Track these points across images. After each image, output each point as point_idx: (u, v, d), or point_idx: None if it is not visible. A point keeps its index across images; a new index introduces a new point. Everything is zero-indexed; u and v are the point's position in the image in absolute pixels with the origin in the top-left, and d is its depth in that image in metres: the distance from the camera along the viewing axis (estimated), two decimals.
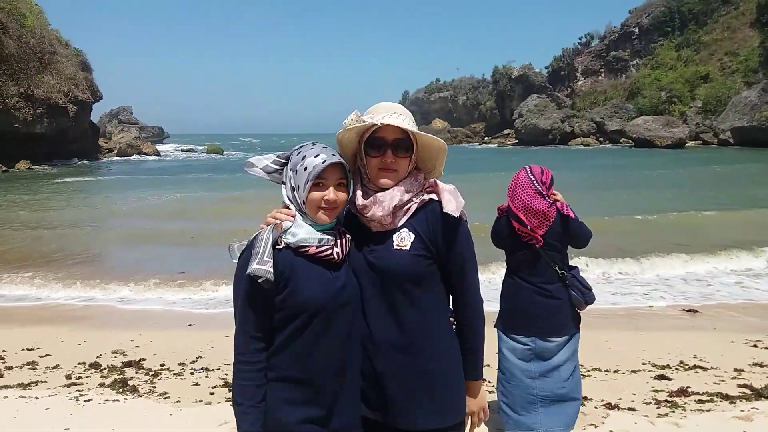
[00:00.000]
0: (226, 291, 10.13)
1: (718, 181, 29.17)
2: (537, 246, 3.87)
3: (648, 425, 4.35)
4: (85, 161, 51.75)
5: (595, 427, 4.29)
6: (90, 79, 55.79)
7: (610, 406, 4.82)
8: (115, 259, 13.55)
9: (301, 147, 2.00)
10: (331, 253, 1.93)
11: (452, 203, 2.00)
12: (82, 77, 52.79)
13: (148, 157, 60.43)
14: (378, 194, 2.00)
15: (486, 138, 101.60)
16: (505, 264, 4.17)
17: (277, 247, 1.89)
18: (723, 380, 5.69)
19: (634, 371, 5.99)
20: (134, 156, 59.43)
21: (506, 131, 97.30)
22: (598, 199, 21.53)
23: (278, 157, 2.02)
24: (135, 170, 45.08)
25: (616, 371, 5.99)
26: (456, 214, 1.99)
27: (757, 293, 9.80)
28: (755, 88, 67.63)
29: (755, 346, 6.98)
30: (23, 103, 44.43)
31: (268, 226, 1.93)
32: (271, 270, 1.83)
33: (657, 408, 4.81)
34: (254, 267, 1.81)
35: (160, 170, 44.99)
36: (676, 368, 6.10)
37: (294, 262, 1.89)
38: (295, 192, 1.95)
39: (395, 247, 1.98)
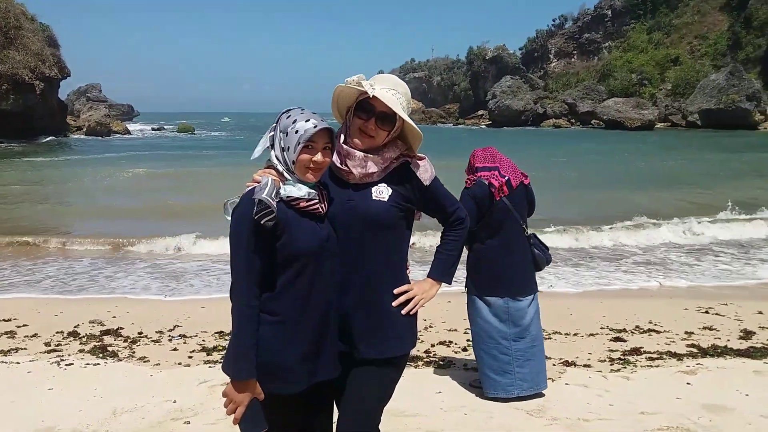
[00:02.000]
0: (199, 263, 10.32)
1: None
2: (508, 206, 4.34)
3: (601, 379, 4.68)
4: (53, 138, 50.71)
5: (552, 380, 4.59)
6: (57, 55, 54.49)
7: (568, 363, 5.15)
8: (87, 231, 13.53)
9: (289, 111, 2.19)
10: (318, 207, 2.15)
11: (427, 173, 2.32)
12: (49, 53, 51.52)
13: (117, 136, 59.46)
14: (365, 159, 2.22)
15: (460, 119, 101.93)
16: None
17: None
18: (674, 341, 6.07)
19: (592, 334, 6.34)
20: (104, 134, 58.42)
21: (480, 112, 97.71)
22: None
23: (269, 132, 2.21)
24: (104, 148, 44.37)
25: (575, 334, 6.33)
26: (428, 183, 2.31)
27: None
28: (723, 72, 68.99)
29: (707, 312, 7.40)
30: None
31: (258, 182, 2.11)
32: (274, 212, 2.02)
33: (611, 365, 5.16)
34: (272, 215, 2.00)
35: (128, 147, 44.40)
36: (631, 332, 6.46)
37: (287, 214, 2.09)
38: (285, 153, 2.14)
39: (374, 197, 2.23)
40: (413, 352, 5.66)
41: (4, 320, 7.01)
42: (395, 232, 2.29)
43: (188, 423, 3.79)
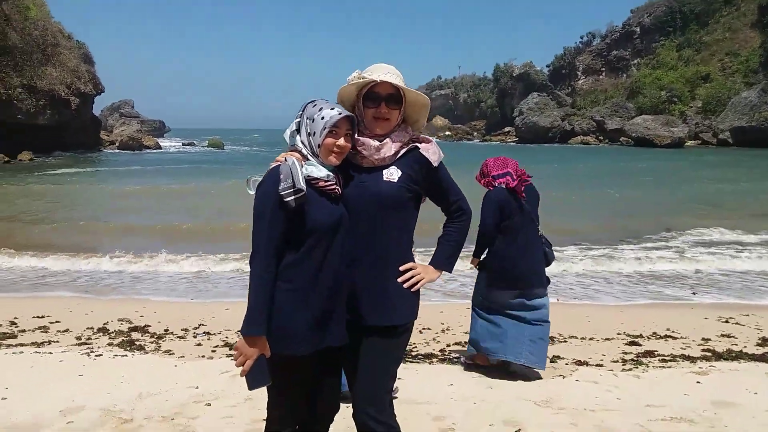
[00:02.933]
0: (223, 267, 10.59)
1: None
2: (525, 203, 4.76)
3: (611, 377, 4.75)
4: (87, 153, 52.10)
5: (563, 377, 4.69)
6: (92, 71, 56.12)
7: (580, 363, 5.23)
8: (115, 238, 13.96)
9: (315, 101, 2.43)
10: (335, 188, 2.36)
11: (435, 155, 2.50)
12: (84, 70, 53.11)
13: (148, 150, 60.79)
14: (374, 142, 2.43)
15: (486, 136, 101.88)
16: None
17: None
18: (689, 346, 6.09)
19: (608, 339, 6.39)
20: (135, 149, 59.82)
21: (506, 129, 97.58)
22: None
23: (296, 119, 2.44)
24: (136, 161, 45.47)
25: (591, 339, 6.40)
26: (436, 164, 2.49)
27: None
28: (755, 89, 67.93)
29: (727, 321, 7.39)
30: (26, 94, 44.74)
31: (282, 163, 2.31)
32: (305, 190, 2.24)
33: (623, 365, 5.22)
34: (298, 195, 2.21)
35: (159, 161, 45.43)
36: (648, 337, 6.50)
37: (308, 192, 2.30)
38: (310, 137, 2.36)
39: (385, 179, 2.42)
40: (429, 350, 5.83)
41: (38, 317, 7.32)
42: (404, 211, 2.47)
43: (209, 405, 3.98)
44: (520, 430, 3.48)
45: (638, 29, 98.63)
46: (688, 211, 18.34)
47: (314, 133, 2.34)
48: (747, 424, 3.60)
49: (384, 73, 2.43)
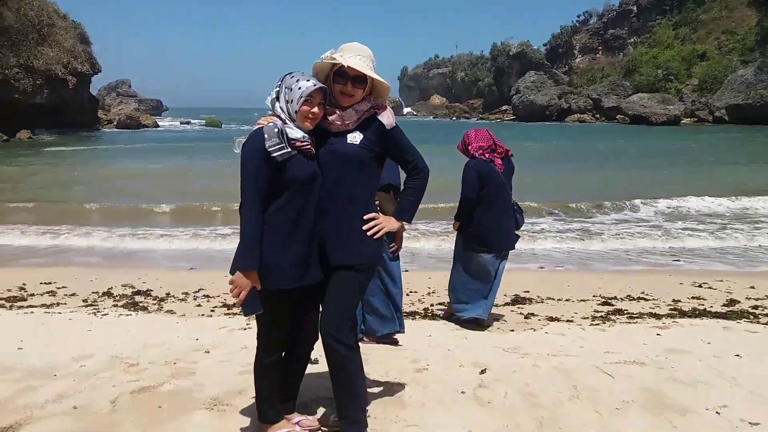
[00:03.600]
0: (220, 242, 11.00)
1: None
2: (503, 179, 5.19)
3: (578, 330, 5.16)
4: (85, 132, 52.19)
5: (534, 330, 5.10)
6: (89, 51, 55.95)
7: (552, 319, 5.64)
8: (119, 211, 14.34)
9: (293, 73, 2.79)
10: (310, 148, 2.74)
11: (389, 119, 2.88)
12: (81, 49, 52.97)
13: (146, 129, 60.86)
14: (342, 113, 2.81)
15: (483, 114, 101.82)
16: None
17: None
18: (658, 306, 6.50)
19: (583, 300, 6.80)
20: (133, 128, 59.87)
21: (504, 107, 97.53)
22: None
23: (275, 87, 2.80)
24: (133, 140, 45.61)
25: (567, 300, 6.80)
26: (390, 127, 2.87)
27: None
28: (751, 67, 68.01)
29: (700, 286, 7.79)
30: (23, 74, 44.78)
31: (266, 124, 2.69)
32: (291, 149, 2.64)
33: (592, 321, 5.63)
34: (283, 150, 2.59)
35: (157, 140, 45.59)
36: (621, 299, 6.91)
37: (293, 153, 2.68)
38: (288, 104, 2.73)
39: (349, 142, 2.82)
40: (412, 308, 6.23)
41: (45, 283, 7.71)
42: (365, 169, 2.85)
43: (208, 352, 4.36)
44: (485, 369, 3.86)
45: (635, 8, 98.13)
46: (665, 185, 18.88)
47: (292, 101, 2.70)
48: (692, 367, 3.98)
49: (355, 55, 2.80)
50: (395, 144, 2.90)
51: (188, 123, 75.62)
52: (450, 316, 5.51)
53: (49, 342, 4.69)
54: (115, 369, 3.98)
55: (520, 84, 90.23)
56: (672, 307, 6.42)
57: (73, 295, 7.06)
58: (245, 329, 5.24)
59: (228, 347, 4.53)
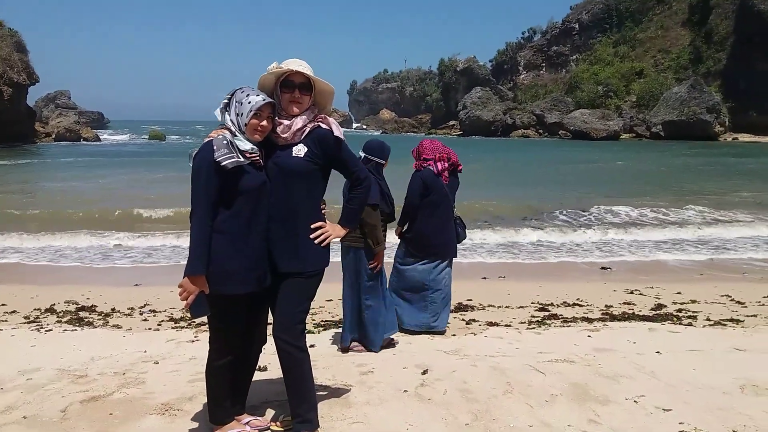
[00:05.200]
0: (161, 255, 10.94)
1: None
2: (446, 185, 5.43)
3: (516, 333, 5.44)
4: (21, 145, 50.38)
5: (474, 335, 5.36)
6: (26, 60, 54.21)
7: (492, 324, 5.92)
8: (58, 224, 14.01)
9: (242, 88, 2.96)
10: (258, 159, 2.92)
11: (338, 130, 3.08)
12: (17, 58, 51.30)
13: (86, 143, 59.22)
14: (286, 121, 2.98)
15: (431, 129, 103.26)
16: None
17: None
18: (591, 312, 6.88)
19: (522, 307, 7.12)
20: (73, 140, 58.13)
21: (451, 122, 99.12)
22: None
23: (224, 100, 2.97)
24: (73, 153, 44.36)
25: (507, 307, 7.11)
26: (341, 137, 3.06)
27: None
28: (684, 84, 71.30)
29: (632, 293, 8.24)
30: None
31: (216, 137, 2.85)
32: (241, 158, 2.80)
33: (528, 325, 5.94)
34: (232, 159, 2.76)
35: (96, 154, 44.52)
36: (557, 305, 7.26)
37: (242, 162, 2.84)
38: (239, 117, 2.90)
39: (293, 155, 2.99)
40: None
41: None
42: (310, 180, 3.03)
43: (157, 363, 4.43)
44: (427, 370, 4.09)
45: (577, 25, 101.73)
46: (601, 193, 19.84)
47: (242, 114, 2.88)
48: (617, 363, 4.31)
49: (297, 65, 3.00)
50: (339, 155, 3.07)
51: (131, 136, 73.96)
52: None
53: None
54: (63, 381, 4.01)
55: (467, 100, 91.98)
56: (604, 311, 6.81)
57: (14, 312, 6.94)
58: (193, 341, 5.32)
59: (176, 358, 4.61)
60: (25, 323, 6.33)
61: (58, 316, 6.74)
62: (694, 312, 6.70)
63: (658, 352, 4.60)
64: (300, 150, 2.98)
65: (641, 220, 15.68)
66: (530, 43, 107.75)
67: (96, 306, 7.25)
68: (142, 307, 7.19)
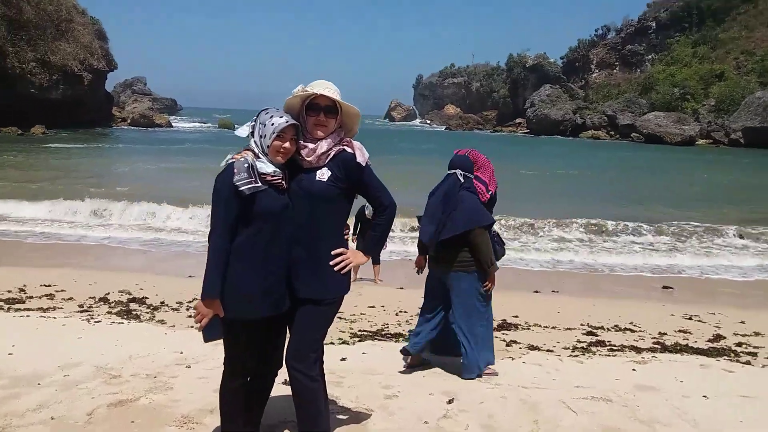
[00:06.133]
0: None
1: None
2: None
3: (556, 361, 5.23)
4: (98, 129, 52.81)
5: (512, 359, 5.18)
6: (105, 47, 56.75)
7: (533, 348, 5.72)
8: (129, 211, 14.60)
9: (267, 109, 2.94)
10: (281, 183, 2.88)
11: (361, 156, 3.00)
12: (97, 46, 53.75)
13: (159, 129, 61.48)
14: (311, 144, 2.94)
15: (497, 126, 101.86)
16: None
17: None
18: (643, 339, 6.57)
19: (569, 328, 6.88)
20: (147, 126, 60.46)
21: (518, 120, 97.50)
22: None
23: (251, 122, 2.96)
24: (144, 140, 46.11)
25: (554, 327, 6.88)
26: (364, 163, 2.99)
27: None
28: None
29: (690, 319, 7.85)
30: (39, 68, 45.46)
31: (238, 159, 2.83)
32: (259, 182, 2.78)
33: (572, 352, 5.70)
34: (250, 185, 2.73)
35: (167, 141, 46.08)
36: (608, 329, 6.97)
37: (261, 188, 2.81)
38: (262, 139, 2.87)
39: (317, 178, 2.94)
40: (399, 330, 6.34)
41: (45, 285, 7.90)
42: (334, 204, 2.97)
43: (189, 367, 4.50)
44: (453, 399, 3.97)
45: (654, 24, 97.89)
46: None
47: (265, 135, 2.85)
48: (657, 406, 4.06)
49: (323, 88, 2.94)
50: (363, 180, 3.00)
51: (202, 123, 76.26)
52: None
53: (39, 348, 4.84)
54: (97, 380, 4.12)
55: (535, 97, 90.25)
56: (656, 340, 6.48)
57: (71, 299, 7.24)
58: None
59: (210, 362, 4.65)
60: (78, 312, 6.59)
61: (109, 306, 6.98)
62: (756, 347, 6.27)
63: (705, 396, 4.31)
64: (324, 174, 2.93)
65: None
66: (604, 41, 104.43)
67: (147, 298, 7.47)
68: (189, 302, 7.35)
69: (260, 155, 2.86)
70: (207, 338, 2.83)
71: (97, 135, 48.31)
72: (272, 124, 2.83)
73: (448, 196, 4.62)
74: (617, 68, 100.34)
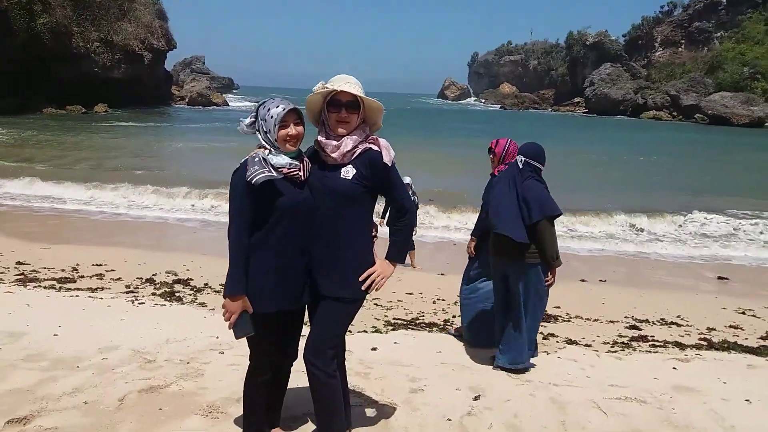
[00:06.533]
0: None
1: None
2: None
3: (594, 357, 5.08)
4: (157, 107, 54.27)
5: (547, 354, 5.06)
6: (165, 27, 57.99)
7: (570, 342, 5.58)
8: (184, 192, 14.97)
9: (263, 102, 2.91)
10: (298, 174, 2.86)
11: (387, 156, 2.94)
12: (158, 25, 54.99)
13: (216, 108, 62.70)
14: (335, 141, 2.90)
15: (554, 105, 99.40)
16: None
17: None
18: (689, 334, 6.32)
19: (612, 321, 6.69)
20: (204, 105, 61.70)
21: (576, 99, 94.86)
22: None
23: (251, 116, 2.93)
24: (202, 119, 47.09)
25: (596, 320, 6.70)
26: (390, 164, 2.94)
27: None
28: None
29: (743, 313, 7.51)
30: (103, 48, 46.92)
31: (250, 156, 2.83)
32: (273, 172, 2.75)
33: (611, 347, 5.53)
34: (262, 174, 2.72)
35: (223, 119, 46.94)
36: (653, 323, 6.75)
37: (275, 177, 2.79)
38: (268, 134, 2.85)
39: (342, 176, 2.90)
40: (434, 319, 6.30)
41: (96, 264, 8.20)
42: (358, 202, 2.93)
43: (222, 353, 4.59)
44: (479, 396, 3.91)
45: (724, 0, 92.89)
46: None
47: (269, 130, 2.83)
48: (694, 409, 3.89)
49: (344, 83, 2.88)
50: (387, 181, 2.96)
51: (258, 102, 77.33)
52: (461, 333, 5.48)
53: (83, 330, 5.03)
54: (132, 364, 4.26)
55: (595, 76, 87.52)
56: (703, 336, 6.23)
57: (119, 279, 7.49)
58: None
59: (243, 348, 4.69)
60: (124, 292, 6.81)
61: (155, 287, 7.19)
62: None
63: (747, 401, 4.11)
64: (348, 171, 2.89)
65: None
66: (669, 18, 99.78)
67: (191, 279, 7.66)
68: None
69: (272, 149, 2.84)
70: (238, 335, 2.86)
71: (156, 113, 49.65)
72: (271, 117, 2.81)
73: (512, 185, 4.50)
74: (682, 46, 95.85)
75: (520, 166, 4.53)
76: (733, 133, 53.95)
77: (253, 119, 2.90)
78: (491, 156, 5.17)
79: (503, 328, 4.59)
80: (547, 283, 4.55)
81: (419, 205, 10.40)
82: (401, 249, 3.07)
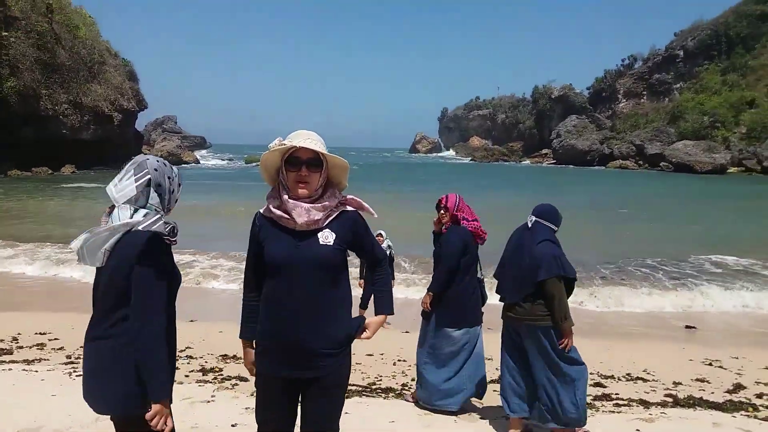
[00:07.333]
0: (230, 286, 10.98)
1: None
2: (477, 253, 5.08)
3: None
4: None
5: (507, 418, 4.81)
6: (136, 88, 58.18)
7: None
8: None
9: (155, 168, 2.67)
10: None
11: (370, 211, 2.76)
12: (128, 87, 55.15)
13: (186, 166, 62.48)
14: (305, 204, 2.59)
15: (523, 157, 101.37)
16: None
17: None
18: (654, 390, 6.13)
19: None
20: (174, 164, 61.52)
21: (544, 151, 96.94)
22: None
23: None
24: None
25: None
26: (375, 216, 2.74)
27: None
28: None
29: (710, 365, 7.36)
30: (71, 110, 46.69)
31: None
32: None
33: None
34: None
35: (192, 177, 46.67)
36: (618, 378, 6.55)
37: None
38: (170, 196, 2.69)
39: (321, 242, 2.60)
40: (392, 383, 6.03)
41: (39, 333, 7.77)
42: (339, 269, 2.67)
43: None
44: None
45: (681, 53, 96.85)
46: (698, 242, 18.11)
47: (174, 191, 2.75)
48: None
49: (304, 139, 2.60)
50: (364, 239, 2.76)
51: (229, 160, 77.42)
52: (417, 400, 5.23)
53: (7, 409, 4.64)
54: None
55: (561, 128, 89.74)
56: (668, 392, 6.04)
57: (60, 349, 7.09)
58: (209, 401, 5.13)
59: (179, 424, 4.39)
60: (63, 363, 6.41)
61: None
62: None
63: None
64: (328, 236, 2.61)
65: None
66: (631, 71, 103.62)
67: None
68: (181, 351, 7.13)
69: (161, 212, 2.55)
70: None
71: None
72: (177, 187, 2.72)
73: (519, 245, 4.50)
74: (644, 98, 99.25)
75: (530, 225, 4.50)
76: (699, 180, 55.24)
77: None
78: (441, 212, 5.08)
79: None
80: (561, 345, 4.32)
81: (394, 258, 10.17)
82: (389, 299, 2.84)
